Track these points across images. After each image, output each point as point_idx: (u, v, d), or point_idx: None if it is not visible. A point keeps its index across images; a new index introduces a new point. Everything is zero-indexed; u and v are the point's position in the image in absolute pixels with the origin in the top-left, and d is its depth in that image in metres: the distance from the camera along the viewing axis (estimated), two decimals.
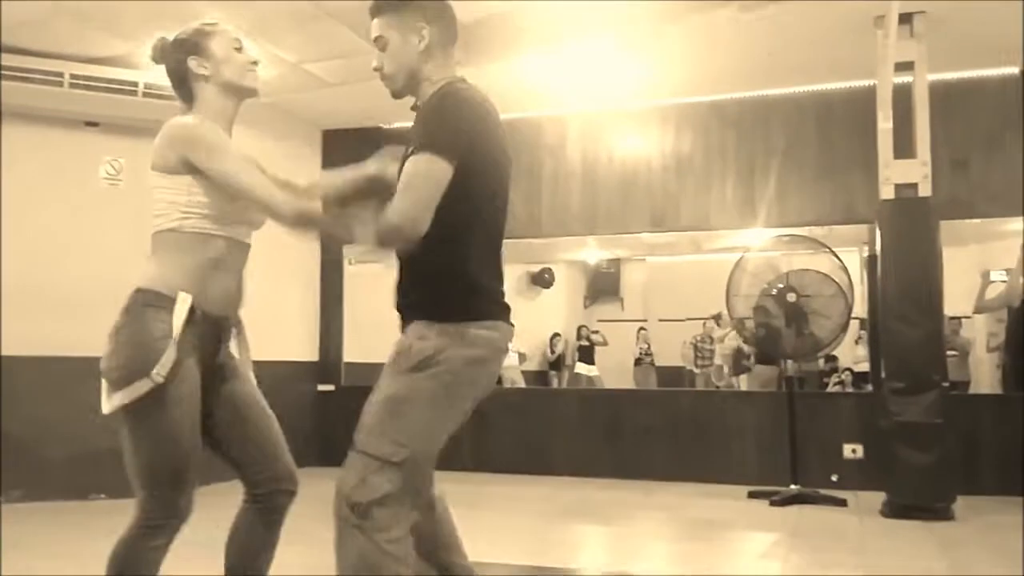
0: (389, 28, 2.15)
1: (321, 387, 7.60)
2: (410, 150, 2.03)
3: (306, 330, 7.64)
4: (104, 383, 2.09)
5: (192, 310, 2.11)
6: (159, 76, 6.17)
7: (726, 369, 9.76)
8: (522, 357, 10.05)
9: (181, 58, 2.29)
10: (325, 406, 7.58)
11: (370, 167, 2.22)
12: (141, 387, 2.01)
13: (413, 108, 2.19)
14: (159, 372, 2.02)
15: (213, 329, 2.20)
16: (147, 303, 2.10)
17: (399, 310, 2.17)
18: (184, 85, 2.30)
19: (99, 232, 5.89)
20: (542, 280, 11.26)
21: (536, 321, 10.75)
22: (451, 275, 2.08)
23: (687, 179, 7.11)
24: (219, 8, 4.70)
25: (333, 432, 7.59)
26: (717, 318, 9.62)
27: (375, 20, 2.18)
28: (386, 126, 7.63)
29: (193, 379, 2.11)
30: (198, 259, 2.16)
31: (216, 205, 2.18)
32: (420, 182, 1.97)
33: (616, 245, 9.58)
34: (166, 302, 2.09)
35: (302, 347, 7.54)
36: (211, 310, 2.18)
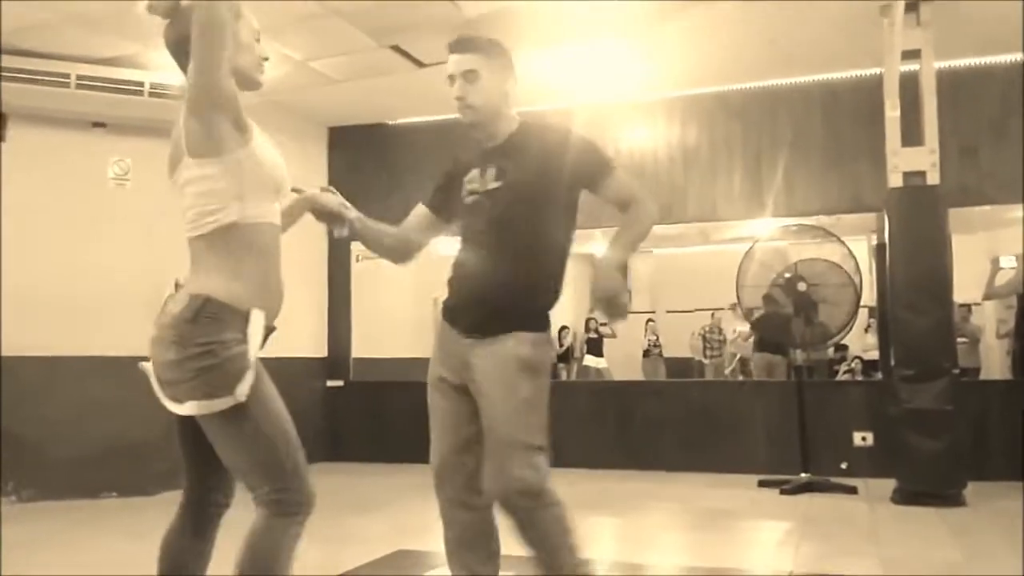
0: (482, 64, 2.42)
1: (330, 383, 7.64)
2: (597, 175, 2.43)
3: (315, 326, 7.67)
4: (164, 386, 2.02)
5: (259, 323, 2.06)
6: (165, 76, 6.17)
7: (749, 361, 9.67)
8: None
9: None
10: (334, 402, 7.61)
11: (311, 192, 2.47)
12: (225, 403, 1.97)
13: (484, 139, 2.49)
14: (242, 391, 1.97)
15: (267, 333, 2.16)
16: (215, 316, 1.99)
17: (490, 320, 2.38)
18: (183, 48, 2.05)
19: (107, 232, 5.93)
20: None
21: None
22: (547, 290, 2.46)
23: (694, 170, 7.10)
24: None
25: (343, 428, 7.63)
26: (734, 307, 9.56)
27: (466, 55, 2.42)
28: (391, 122, 7.64)
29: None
30: (259, 260, 2.08)
31: (267, 183, 2.10)
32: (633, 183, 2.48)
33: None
34: (238, 318, 2.01)
35: (311, 343, 7.58)
36: (271, 319, 2.14)
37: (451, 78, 2.44)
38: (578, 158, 2.42)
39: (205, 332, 1.97)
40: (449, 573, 2.50)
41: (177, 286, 2.08)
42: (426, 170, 7.34)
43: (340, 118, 7.62)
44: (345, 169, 7.80)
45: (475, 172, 2.47)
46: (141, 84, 5.85)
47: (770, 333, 6.84)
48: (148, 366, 2.06)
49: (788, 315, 6.09)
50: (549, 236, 2.45)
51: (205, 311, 1.99)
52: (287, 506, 2.04)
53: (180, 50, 2.04)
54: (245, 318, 2.02)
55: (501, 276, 2.39)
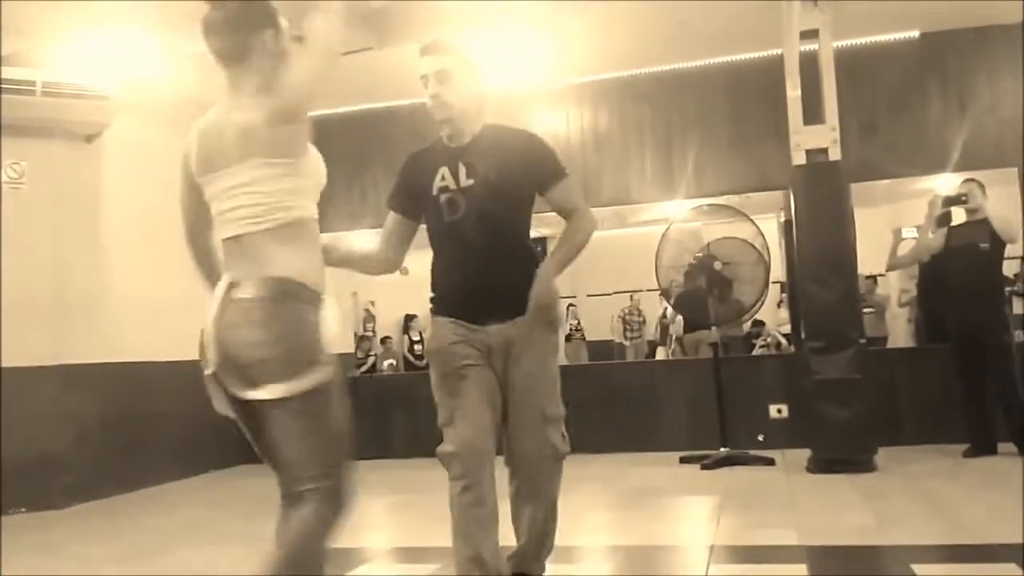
0: (454, 65, 2.58)
1: None
2: (550, 179, 2.65)
3: None
4: (245, 370, 2.02)
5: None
6: (58, 74, 5.90)
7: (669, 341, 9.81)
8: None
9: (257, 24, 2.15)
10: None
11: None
12: (316, 378, 2.01)
13: (450, 138, 2.65)
14: (327, 372, 2.03)
15: None
16: (296, 296, 2.05)
17: (504, 305, 2.60)
18: (247, 54, 2.11)
19: (3, 238, 5.65)
20: None
21: None
22: (530, 278, 2.60)
23: (606, 155, 7.16)
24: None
25: None
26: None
27: (438, 56, 2.58)
28: (330, 111, 7.46)
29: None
30: (317, 252, 2.18)
31: (319, 183, 2.21)
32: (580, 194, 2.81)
33: (541, 223, 9.56)
34: (313, 297, 2.09)
35: None
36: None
37: (424, 79, 2.60)
38: (537, 161, 2.66)
39: (290, 312, 2.03)
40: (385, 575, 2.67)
41: (232, 285, 2.07)
42: (339, 160, 7.26)
43: None
44: None
45: (444, 171, 2.62)
46: (33, 83, 5.60)
47: (688, 312, 6.95)
48: (211, 361, 2.07)
49: (704, 294, 6.20)
50: (524, 228, 2.71)
51: (290, 291, 2.04)
52: (340, 497, 2.07)
53: (227, 40, 2.10)
54: (319, 302, 2.09)
55: (501, 265, 2.60)
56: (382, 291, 10.23)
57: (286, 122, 2.03)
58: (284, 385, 1.99)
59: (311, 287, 2.08)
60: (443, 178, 2.61)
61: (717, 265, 6.14)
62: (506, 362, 2.62)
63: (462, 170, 2.60)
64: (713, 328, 6.34)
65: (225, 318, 2.05)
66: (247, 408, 2.08)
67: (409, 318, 10.65)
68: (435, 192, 2.62)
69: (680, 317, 8.45)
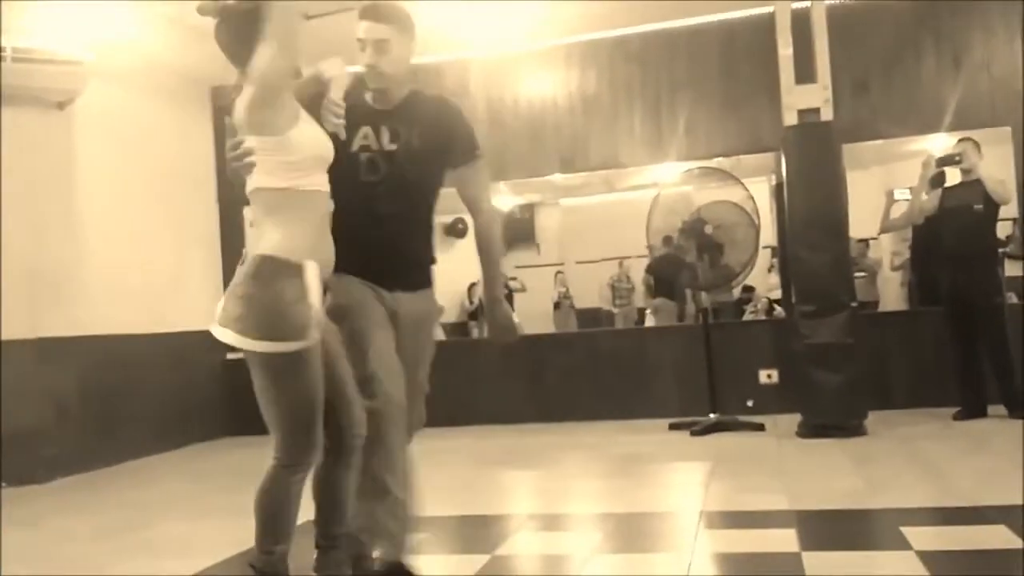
0: (393, 35, 2.55)
1: (230, 356, 7.33)
2: (465, 158, 2.67)
3: (209, 297, 7.32)
4: (226, 330, 2.28)
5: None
6: (29, 40, 5.73)
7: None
8: None
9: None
10: (234, 376, 7.30)
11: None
12: (290, 346, 2.22)
13: (375, 99, 2.62)
14: (312, 335, 2.23)
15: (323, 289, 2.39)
16: (276, 271, 2.25)
17: (413, 275, 2.68)
18: (250, 58, 2.31)
19: None
20: (455, 230, 11.02)
21: (452, 272, 10.57)
22: (431, 251, 2.74)
23: (594, 118, 7.04)
24: None
25: (244, 402, 7.34)
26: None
27: (379, 24, 2.54)
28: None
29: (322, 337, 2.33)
30: (313, 220, 2.34)
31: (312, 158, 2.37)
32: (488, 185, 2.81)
33: (528, 189, 9.47)
34: (294, 270, 2.25)
35: (206, 315, 7.17)
36: (325, 272, 2.36)
37: (361, 43, 2.56)
38: (457, 134, 2.67)
39: (265, 288, 2.26)
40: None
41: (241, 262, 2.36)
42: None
43: (224, 76, 7.20)
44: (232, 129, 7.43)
45: (367, 130, 2.59)
46: (2, 49, 5.43)
47: (673, 276, 6.88)
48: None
49: (692, 260, 6.12)
50: (435, 200, 2.73)
51: (266, 268, 2.27)
52: (292, 457, 2.33)
53: (235, 48, 2.34)
54: (302, 269, 2.26)
55: (414, 235, 2.67)
56: (439, 262, 10.07)
57: (258, 107, 2.28)
58: (253, 343, 2.24)
59: (292, 260, 2.25)
60: (365, 137, 2.59)
61: (708, 229, 6.05)
62: (400, 331, 2.60)
63: (385, 133, 2.59)
64: (703, 294, 6.27)
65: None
66: None
67: None
68: (355, 149, 2.57)
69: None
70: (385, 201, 2.58)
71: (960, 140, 5.63)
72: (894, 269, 8.51)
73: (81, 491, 5.30)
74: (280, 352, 2.23)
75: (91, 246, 6.07)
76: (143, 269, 6.46)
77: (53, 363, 5.72)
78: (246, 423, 7.15)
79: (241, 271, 2.32)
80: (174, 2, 5.47)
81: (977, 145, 5.54)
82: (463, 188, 2.72)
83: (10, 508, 4.78)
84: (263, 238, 2.30)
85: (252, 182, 2.32)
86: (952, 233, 5.54)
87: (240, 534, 3.61)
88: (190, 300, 6.91)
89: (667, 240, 6.22)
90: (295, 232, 2.29)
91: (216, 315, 2.30)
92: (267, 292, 2.24)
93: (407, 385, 2.55)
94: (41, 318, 5.68)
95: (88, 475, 5.77)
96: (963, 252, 5.45)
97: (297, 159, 2.32)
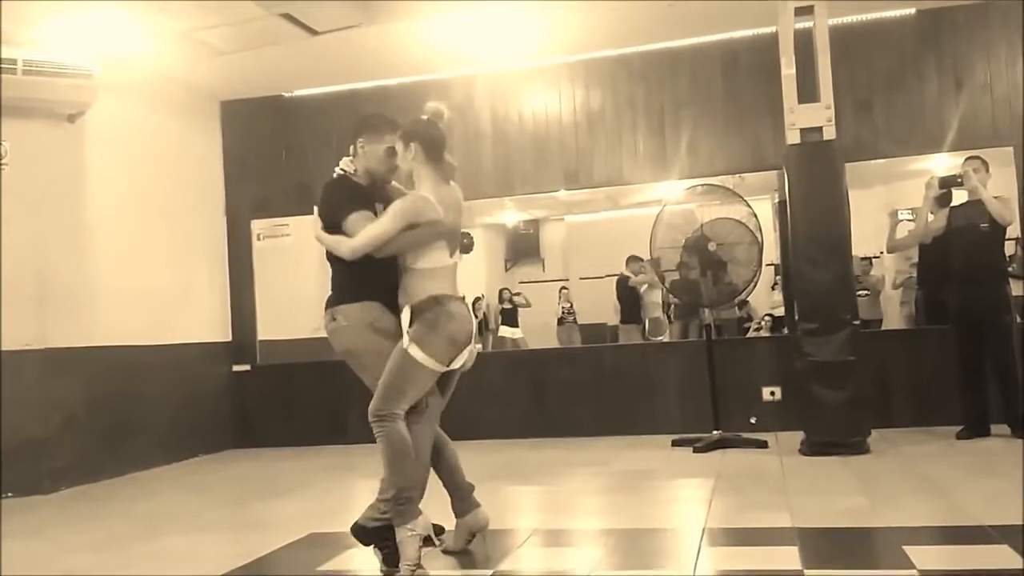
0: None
1: (237, 367, 7.37)
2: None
3: (217, 309, 7.37)
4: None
5: None
6: (40, 53, 5.79)
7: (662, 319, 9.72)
8: None
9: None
10: (242, 387, 7.36)
11: None
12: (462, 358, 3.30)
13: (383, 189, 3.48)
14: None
15: None
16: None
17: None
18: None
19: None
20: (462, 245, 11.12)
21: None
22: None
23: (598, 135, 7.08)
24: None
25: (251, 413, 7.40)
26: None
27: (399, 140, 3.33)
28: (287, 94, 7.38)
29: None
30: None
31: None
32: None
33: (533, 205, 9.53)
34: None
35: (214, 327, 7.25)
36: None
37: (389, 151, 3.36)
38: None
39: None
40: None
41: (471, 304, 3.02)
42: (325, 142, 7.18)
43: (233, 91, 7.29)
44: (241, 144, 7.49)
45: (380, 207, 3.38)
46: (14, 62, 5.49)
47: (680, 295, 6.89)
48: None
49: (696, 276, 6.14)
50: None
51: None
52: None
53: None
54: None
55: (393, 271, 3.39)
56: None
57: None
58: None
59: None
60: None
61: (711, 246, 6.08)
62: None
63: (380, 208, 3.35)
64: (706, 311, 6.28)
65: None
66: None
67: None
68: None
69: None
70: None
71: (967, 159, 5.65)
72: (895, 288, 8.54)
73: (86, 502, 5.31)
74: None
75: (99, 258, 6.12)
76: (151, 281, 6.50)
77: (60, 374, 5.75)
78: (252, 435, 7.31)
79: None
80: (184, 16, 5.53)
81: (985, 164, 5.56)
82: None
83: (14, 518, 4.79)
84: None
85: None
86: (960, 252, 5.56)
87: (243, 548, 3.63)
88: (197, 312, 6.95)
89: (680, 263, 6.24)
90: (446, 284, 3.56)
91: None
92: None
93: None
94: (49, 329, 5.71)
95: (93, 486, 5.79)
96: (971, 271, 5.47)
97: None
